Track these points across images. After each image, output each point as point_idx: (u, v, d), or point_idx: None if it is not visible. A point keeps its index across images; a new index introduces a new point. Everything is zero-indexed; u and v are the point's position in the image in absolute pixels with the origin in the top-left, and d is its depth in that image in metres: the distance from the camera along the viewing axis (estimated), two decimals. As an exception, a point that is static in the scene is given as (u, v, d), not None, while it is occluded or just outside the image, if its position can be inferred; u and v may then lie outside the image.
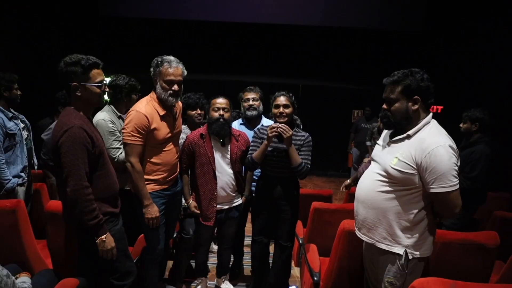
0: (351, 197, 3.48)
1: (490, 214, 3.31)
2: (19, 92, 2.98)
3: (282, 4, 6.85)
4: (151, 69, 2.30)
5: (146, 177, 2.31)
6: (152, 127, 2.24)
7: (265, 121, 3.13)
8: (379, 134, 3.09)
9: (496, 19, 5.29)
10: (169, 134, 2.36)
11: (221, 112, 2.56)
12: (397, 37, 6.92)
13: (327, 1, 6.83)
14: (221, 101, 2.60)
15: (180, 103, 2.46)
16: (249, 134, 2.84)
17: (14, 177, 2.87)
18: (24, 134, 3.03)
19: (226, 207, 2.71)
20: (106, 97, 2.09)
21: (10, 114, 2.90)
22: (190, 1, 6.81)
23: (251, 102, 3.01)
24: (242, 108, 3.09)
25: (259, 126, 2.99)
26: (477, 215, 3.39)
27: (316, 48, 7.30)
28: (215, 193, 2.62)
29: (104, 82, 1.95)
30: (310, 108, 7.39)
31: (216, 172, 2.61)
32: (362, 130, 6.29)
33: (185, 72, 2.33)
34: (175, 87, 2.26)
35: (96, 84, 1.88)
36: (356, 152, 6.43)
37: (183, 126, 2.84)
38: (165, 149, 2.37)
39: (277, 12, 6.83)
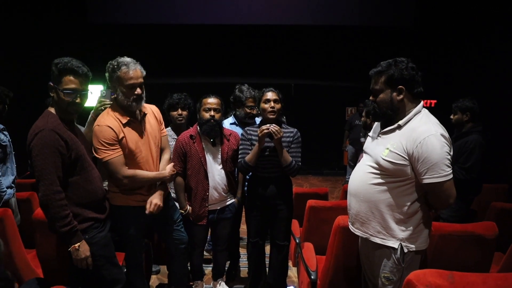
0: (346, 194, 3.45)
1: (486, 205, 3.28)
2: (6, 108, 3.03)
3: (271, 4, 6.84)
4: (107, 74, 2.09)
5: (125, 191, 2.19)
6: (120, 136, 2.07)
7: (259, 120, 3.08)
8: (366, 128, 3.07)
9: (487, 13, 5.29)
10: (140, 141, 2.18)
11: (212, 113, 2.52)
12: (387, 32, 6.91)
13: (317, 0, 6.82)
14: (212, 101, 2.55)
15: (146, 106, 2.29)
16: (240, 132, 2.79)
17: (7, 188, 2.85)
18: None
19: (218, 207, 2.66)
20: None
21: (1, 126, 2.90)
22: (179, 5, 6.78)
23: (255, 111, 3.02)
24: (243, 111, 3.05)
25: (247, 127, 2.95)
26: (473, 206, 3.37)
27: (307, 47, 7.28)
28: (207, 193, 2.59)
29: (89, 92, 1.89)
30: (303, 107, 7.37)
31: (208, 173, 2.57)
32: (356, 127, 6.24)
33: (144, 73, 2.13)
34: (138, 90, 2.07)
35: (64, 91, 1.80)
36: (352, 150, 6.39)
37: (166, 128, 2.78)
38: (140, 159, 2.19)
39: (267, 12, 6.83)
